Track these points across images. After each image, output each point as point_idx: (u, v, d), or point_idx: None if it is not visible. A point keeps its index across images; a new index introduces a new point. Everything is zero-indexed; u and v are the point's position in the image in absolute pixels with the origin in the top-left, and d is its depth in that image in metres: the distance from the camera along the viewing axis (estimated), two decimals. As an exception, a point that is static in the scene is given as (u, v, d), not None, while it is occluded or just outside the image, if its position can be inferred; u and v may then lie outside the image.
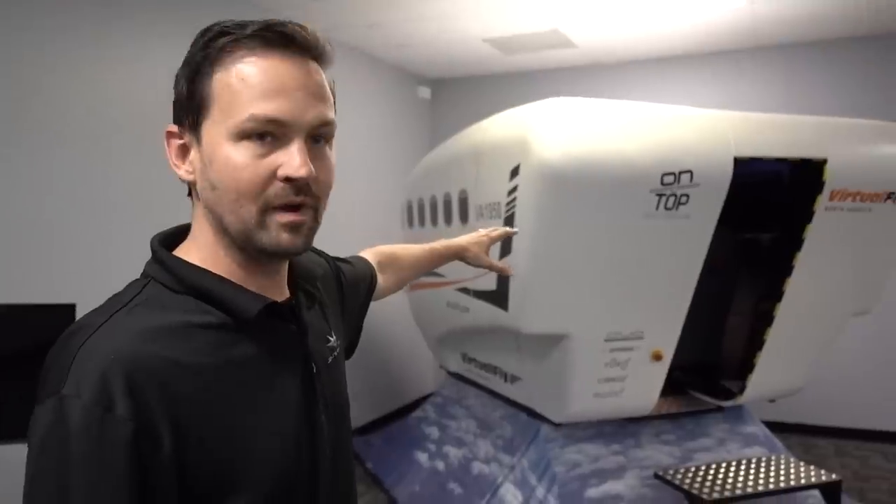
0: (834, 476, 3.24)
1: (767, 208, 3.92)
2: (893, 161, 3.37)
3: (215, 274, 0.87)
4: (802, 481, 3.20)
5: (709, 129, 3.05)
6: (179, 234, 0.93)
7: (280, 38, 0.84)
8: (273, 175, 0.82)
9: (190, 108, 0.85)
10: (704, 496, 3.05)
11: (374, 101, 5.85)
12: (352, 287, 1.27)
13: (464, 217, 3.54)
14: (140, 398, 0.74)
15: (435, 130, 6.58)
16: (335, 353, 1.03)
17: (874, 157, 3.35)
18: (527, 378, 3.58)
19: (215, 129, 0.83)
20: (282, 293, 0.95)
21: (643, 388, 3.36)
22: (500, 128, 3.24)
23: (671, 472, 3.34)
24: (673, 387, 3.96)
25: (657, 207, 2.90)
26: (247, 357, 0.85)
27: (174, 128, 0.89)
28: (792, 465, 3.43)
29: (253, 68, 0.82)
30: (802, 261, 3.33)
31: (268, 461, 0.84)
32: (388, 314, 5.87)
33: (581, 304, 3.03)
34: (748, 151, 3.03)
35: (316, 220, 0.89)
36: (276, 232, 0.84)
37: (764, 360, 3.58)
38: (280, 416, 0.88)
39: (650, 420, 3.66)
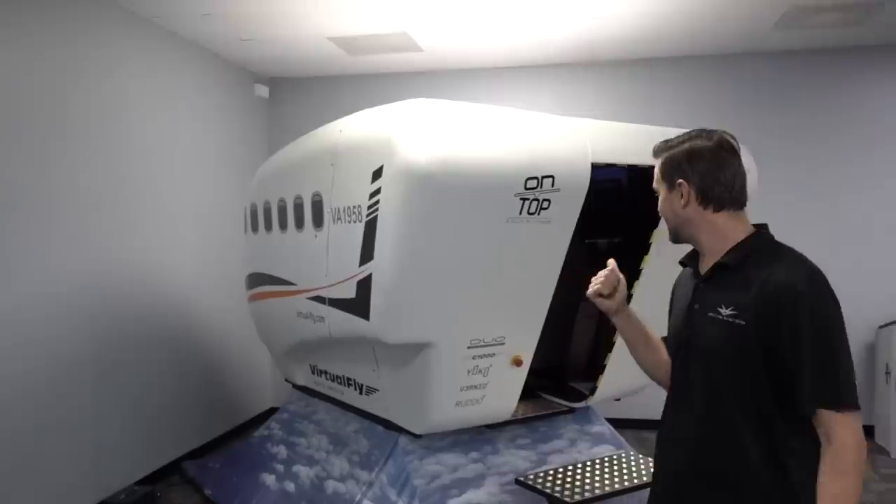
0: (680, 470, 3.39)
1: (610, 214, 4.07)
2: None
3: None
4: (653, 477, 3.32)
5: (568, 136, 3.09)
6: None
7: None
8: None
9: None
10: (567, 499, 3.07)
11: (208, 98, 5.46)
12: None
13: (318, 221, 3.33)
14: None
15: (273, 131, 6.27)
16: (721, 316, 1.64)
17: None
18: (385, 389, 3.43)
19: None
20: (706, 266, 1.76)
21: (503, 395, 3.34)
22: (360, 128, 3.08)
23: (531, 476, 3.34)
24: (526, 391, 4.00)
25: (521, 212, 2.88)
26: (686, 282, 1.83)
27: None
28: (641, 461, 3.55)
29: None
30: (649, 264, 3.47)
31: (671, 327, 1.87)
32: (219, 323, 5.48)
33: (445, 312, 2.94)
34: (604, 158, 3.10)
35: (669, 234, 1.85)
36: None
37: (613, 361, 3.70)
38: (677, 314, 1.83)
39: (505, 425, 3.65)
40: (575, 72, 5.84)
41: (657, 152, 1.81)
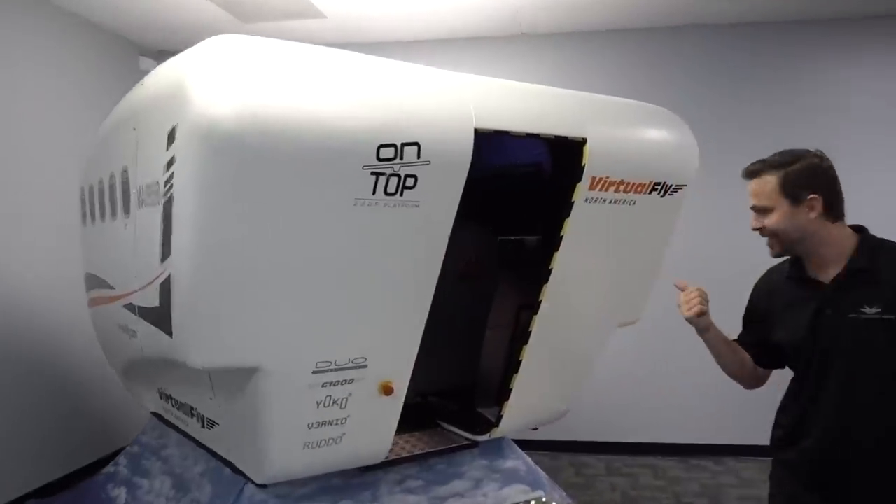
0: (598, 525, 2.69)
1: (531, 205, 3.36)
2: (658, 147, 2.91)
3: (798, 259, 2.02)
4: (563, 535, 2.61)
5: (443, 93, 2.35)
6: None
7: None
8: None
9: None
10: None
11: (86, 73, 4.72)
12: None
13: (126, 206, 2.56)
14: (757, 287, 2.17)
15: (163, 112, 5.50)
16: (867, 315, 1.81)
17: (638, 142, 2.87)
18: (224, 423, 2.67)
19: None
20: (828, 275, 1.92)
21: (372, 432, 2.59)
22: (159, 78, 2.32)
23: (409, 535, 2.61)
24: (423, 418, 3.27)
25: (374, 191, 2.13)
26: (791, 289, 2.00)
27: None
28: (553, 510, 2.84)
29: None
30: (561, 263, 2.75)
31: (788, 334, 1.98)
32: (85, 334, 4.63)
33: (275, 326, 2.17)
34: (492, 123, 2.37)
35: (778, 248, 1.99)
36: None
37: (521, 382, 2.98)
38: (796, 320, 1.94)
39: (393, 464, 2.91)
40: (501, 45, 5.19)
41: (755, 172, 1.95)
